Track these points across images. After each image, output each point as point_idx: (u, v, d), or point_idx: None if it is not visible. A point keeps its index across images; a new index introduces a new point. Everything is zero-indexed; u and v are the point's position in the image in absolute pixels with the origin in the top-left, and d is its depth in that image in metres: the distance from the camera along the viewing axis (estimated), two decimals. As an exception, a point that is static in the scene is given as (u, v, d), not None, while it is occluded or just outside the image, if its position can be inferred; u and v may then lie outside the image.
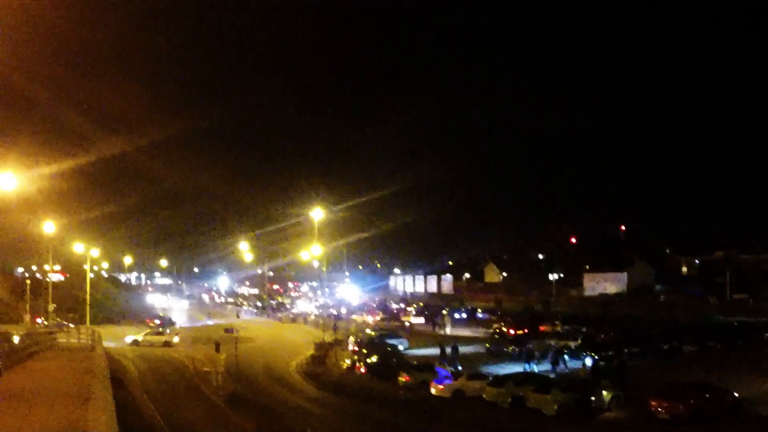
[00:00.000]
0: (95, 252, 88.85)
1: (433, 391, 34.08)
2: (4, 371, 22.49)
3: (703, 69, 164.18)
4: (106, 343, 44.07)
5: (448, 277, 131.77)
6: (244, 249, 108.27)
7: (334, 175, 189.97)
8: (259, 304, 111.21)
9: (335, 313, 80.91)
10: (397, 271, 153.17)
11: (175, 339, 57.50)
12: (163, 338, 57.35)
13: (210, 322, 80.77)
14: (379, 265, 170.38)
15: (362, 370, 41.83)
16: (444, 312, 72.78)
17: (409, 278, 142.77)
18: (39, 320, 64.60)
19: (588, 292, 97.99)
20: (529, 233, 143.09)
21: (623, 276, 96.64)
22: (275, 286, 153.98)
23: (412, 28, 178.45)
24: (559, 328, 57.58)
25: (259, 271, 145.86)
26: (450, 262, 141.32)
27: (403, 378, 37.29)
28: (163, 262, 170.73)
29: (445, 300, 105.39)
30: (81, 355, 32.06)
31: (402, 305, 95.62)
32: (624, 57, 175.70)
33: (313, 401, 35.25)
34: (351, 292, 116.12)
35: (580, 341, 46.39)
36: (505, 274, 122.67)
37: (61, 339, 41.16)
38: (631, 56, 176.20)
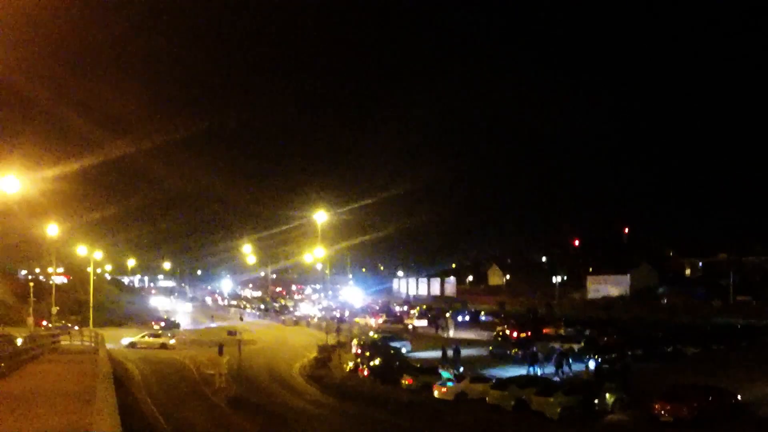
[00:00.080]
0: (98, 254, 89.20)
1: (435, 393, 34.08)
2: (7, 374, 22.56)
3: (703, 69, 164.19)
4: (108, 346, 44.11)
5: (451, 280, 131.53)
6: (247, 251, 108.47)
7: (335, 176, 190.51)
8: (262, 306, 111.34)
9: (338, 315, 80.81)
10: (400, 273, 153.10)
11: (172, 341, 57.43)
12: (159, 340, 57.25)
13: (213, 325, 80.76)
14: (382, 268, 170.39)
15: (365, 372, 41.83)
16: (447, 315, 72.70)
17: (412, 281, 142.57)
18: (44, 323, 64.52)
19: (591, 295, 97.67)
20: (532, 235, 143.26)
21: (626, 278, 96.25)
22: (278, 289, 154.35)
23: (412, 29, 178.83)
24: (562, 331, 57.48)
25: (262, 274, 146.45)
26: (453, 265, 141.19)
27: (406, 381, 37.28)
28: (167, 265, 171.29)
29: (448, 302, 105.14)
30: (84, 357, 32.09)
31: (405, 308, 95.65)
32: (624, 57, 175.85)
33: (316, 404, 35.27)
34: (354, 295, 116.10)
35: (583, 344, 46.19)
36: (508, 276, 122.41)
37: (65, 341, 41.31)
38: (631, 56, 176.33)
